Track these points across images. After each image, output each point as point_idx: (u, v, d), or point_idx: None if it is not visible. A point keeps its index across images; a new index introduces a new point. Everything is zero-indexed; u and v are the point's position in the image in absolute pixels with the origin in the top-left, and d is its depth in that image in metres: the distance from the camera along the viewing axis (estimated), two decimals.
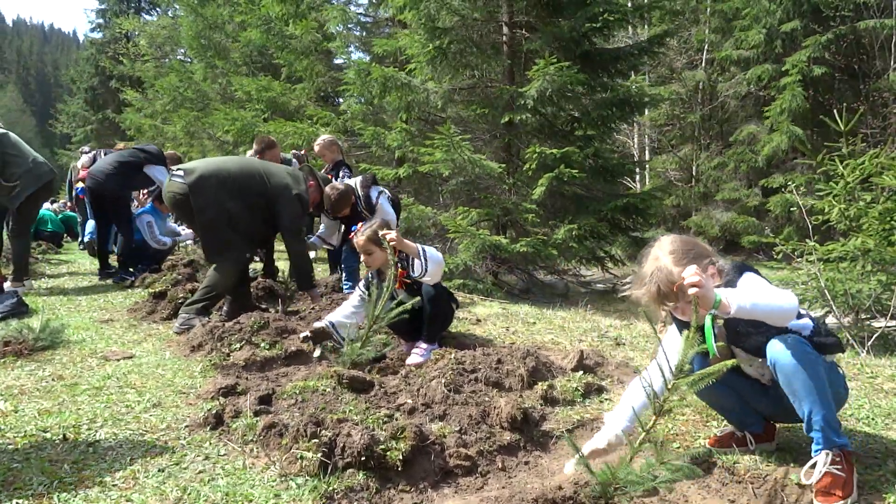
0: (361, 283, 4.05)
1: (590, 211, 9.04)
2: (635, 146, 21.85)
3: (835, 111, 6.42)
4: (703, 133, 20.49)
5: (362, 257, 3.87)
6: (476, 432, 2.62)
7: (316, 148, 6.69)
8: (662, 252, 2.20)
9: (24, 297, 5.24)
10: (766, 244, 14.82)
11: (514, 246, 8.26)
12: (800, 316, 2.15)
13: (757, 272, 2.19)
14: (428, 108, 9.96)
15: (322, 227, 5.90)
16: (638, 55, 9.97)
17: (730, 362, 1.88)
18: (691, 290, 1.84)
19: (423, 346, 3.80)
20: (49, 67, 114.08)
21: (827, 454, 2.01)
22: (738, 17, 17.88)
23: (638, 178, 19.91)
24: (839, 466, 2.00)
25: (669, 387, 1.90)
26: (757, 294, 1.95)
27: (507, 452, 2.54)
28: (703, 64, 20.00)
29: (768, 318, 1.99)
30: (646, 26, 16.98)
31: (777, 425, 2.49)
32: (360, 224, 4.00)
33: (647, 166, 19.56)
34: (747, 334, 2.17)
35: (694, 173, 19.99)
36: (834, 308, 5.79)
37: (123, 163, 6.69)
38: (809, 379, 2.01)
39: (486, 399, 2.88)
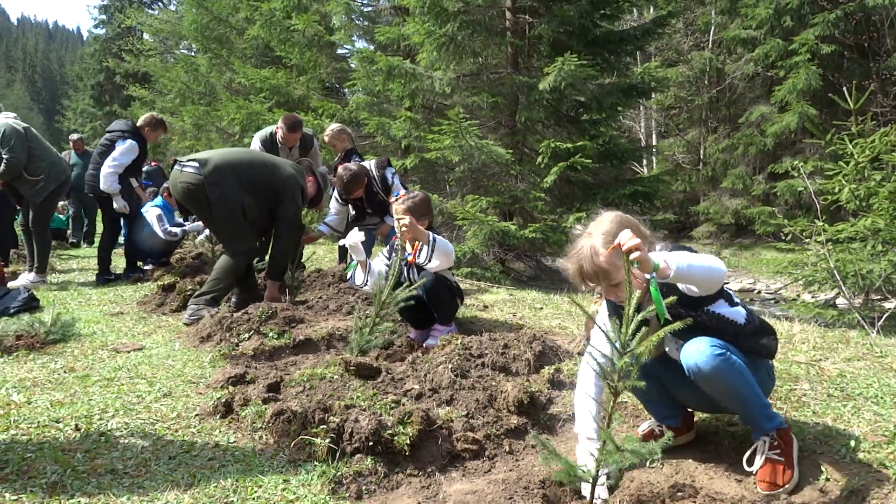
0: (386, 250, 4.10)
1: (598, 197, 9.01)
2: (642, 130, 21.74)
3: (844, 89, 6.36)
4: (711, 116, 20.33)
5: (396, 225, 3.82)
6: (483, 416, 2.64)
7: (326, 137, 6.67)
8: (597, 230, 2.11)
9: (35, 292, 5.29)
10: (775, 226, 14.74)
11: (523, 232, 8.26)
12: (733, 304, 2.12)
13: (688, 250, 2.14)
14: (433, 95, 9.93)
15: (330, 213, 5.89)
16: (643, 37, 9.90)
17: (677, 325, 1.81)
18: (632, 255, 1.78)
19: (441, 327, 3.87)
20: (55, 65, 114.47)
21: (764, 441, 2.06)
22: None
23: (645, 162, 19.81)
24: (777, 451, 2.05)
25: (619, 365, 1.83)
26: (690, 257, 1.94)
27: (514, 436, 2.55)
28: (710, 45, 19.81)
29: (703, 281, 1.96)
30: (650, 8, 16.85)
31: (695, 417, 2.47)
32: (393, 196, 4.01)
33: (654, 150, 19.44)
34: (677, 315, 2.02)
35: (702, 156, 19.86)
36: (844, 289, 5.76)
37: (99, 158, 6.61)
38: (730, 385, 2.01)
39: (493, 383, 2.88)
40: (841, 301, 6.20)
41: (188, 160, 4.59)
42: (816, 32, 15.47)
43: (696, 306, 2.06)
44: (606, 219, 2.14)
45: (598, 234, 2.09)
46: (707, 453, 2.34)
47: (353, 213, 5.78)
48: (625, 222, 2.11)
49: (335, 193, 5.80)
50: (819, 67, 15.34)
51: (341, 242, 3.85)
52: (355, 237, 3.78)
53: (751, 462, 2.08)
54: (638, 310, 1.79)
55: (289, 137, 6.34)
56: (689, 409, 2.44)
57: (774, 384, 2.30)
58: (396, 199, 3.96)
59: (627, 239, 1.79)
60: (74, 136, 11.08)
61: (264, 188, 4.69)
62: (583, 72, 8.15)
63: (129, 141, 6.44)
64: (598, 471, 1.92)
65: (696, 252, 2.09)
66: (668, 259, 1.87)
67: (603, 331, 1.88)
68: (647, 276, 1.90)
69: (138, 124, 6.72)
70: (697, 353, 2.01)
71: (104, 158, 6.43)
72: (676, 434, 2.39)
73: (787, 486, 1.99)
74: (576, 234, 2.20)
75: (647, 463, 2.26)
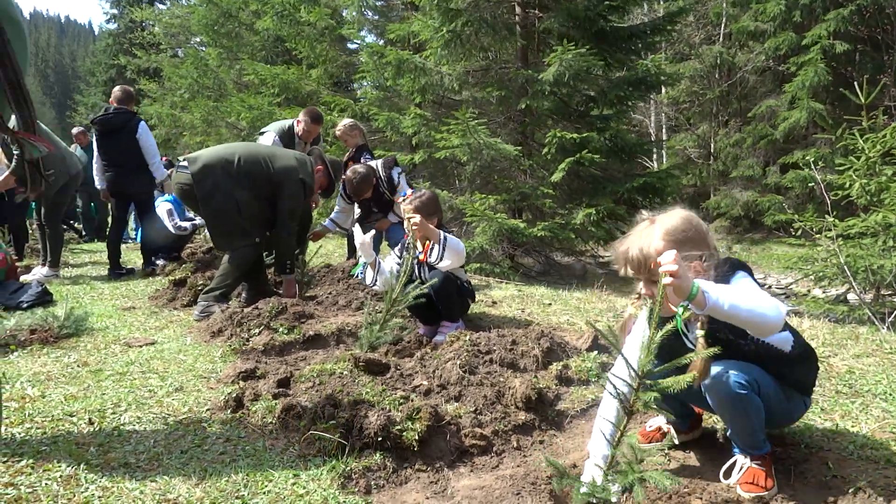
0: (397, 248, 4.13)
1: (607, 192, 8.99)
2: (652, 125, 21.61)
3: (855, 84, 6.31)
4: (722, 110, 20.18)
5: (407, 224, 3.81)
6: (491, 412, 2.65)
7: (337, 132, 6.67)
8: (662, 222, 2.00)
9: (48, 286, 5.35)
10: (786, 221, 14.63)
11: (532, 230, 8.25)
12: (783, 329, 1.96)
13: (751, 274, 2.01)
14: (442, 90, 9.92)
15: (336, 210, 5.92)
16: (653, 33, 9.85)
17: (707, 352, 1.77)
18: (665, 280, 1.67)
19: (448, 324, 3.89)
20: (67, 59, 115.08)
21: (746, 455, 2.07)
22: None
23: (655, 157, 19.71)
24: (759, 461, 2.04)
25: (636, 389, 1.79)
26: (740, 296, 1.76)
27: (522, 432, 2.57)
28: (721, 39, 19.66)
29: (748, 325, 1.80)
30: (661, 1, 16.73)
31: (703, 419, 2.48)
32: (399, 195, 4.02)
33: (664, 145, 19.33)
34: (716, 340, 1.91)
35: (712, 151, 19.73)
36: (854, 285, 5.73)
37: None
38: (738, 418, 2.01)
39: (501, 380, 2.90)
40: (852, 297, 6.16)
41: (183, 160, 4.63)
42: (829, 28, 15.28)
43: (745, 333, 1.94)
44: (677, 214, 2.04)
45: (660, 226, 2.00)
46: (713, 450, 2.35)
47: (359, 210, 5.80)
48: (693, 226, 2.00)
49: (341, 191, 5.82)
50: (830, 64, 15.18)
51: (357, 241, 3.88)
52: (363, 238, 3.81)
53: (728, 475, 2.08)
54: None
55: (312, 130, 6.37)
56: (697, 411, 2.45)
57: (798, 418, 2.21)
58: (404, 199, 3.98)
59: (667, 262, 1.69)
60: (76, 130, 10.92)
61: (261, 181, 4.65)
62: (586, 61, 8.11)
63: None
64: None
65: (755, 282, 1.96)
66: (711, 291, 1.73)
67: (626, 360, 1.80)
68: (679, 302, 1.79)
69: None
70: (720, 382, 1.94)
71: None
72: (683, 435, 2.41)
73: (769, 490, 1.99)
74: (642, 217, 2.11)
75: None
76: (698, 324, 1.86)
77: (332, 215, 5.95)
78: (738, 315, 1.75)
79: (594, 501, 1.88)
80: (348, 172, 5.41)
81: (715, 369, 1.95)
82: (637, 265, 2.00)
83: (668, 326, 1.73)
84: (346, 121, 6.71)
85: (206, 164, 4.52)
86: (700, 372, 1.83)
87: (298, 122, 6.33)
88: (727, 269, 1.99)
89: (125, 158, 6.55)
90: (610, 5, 9.11)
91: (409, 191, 4.87)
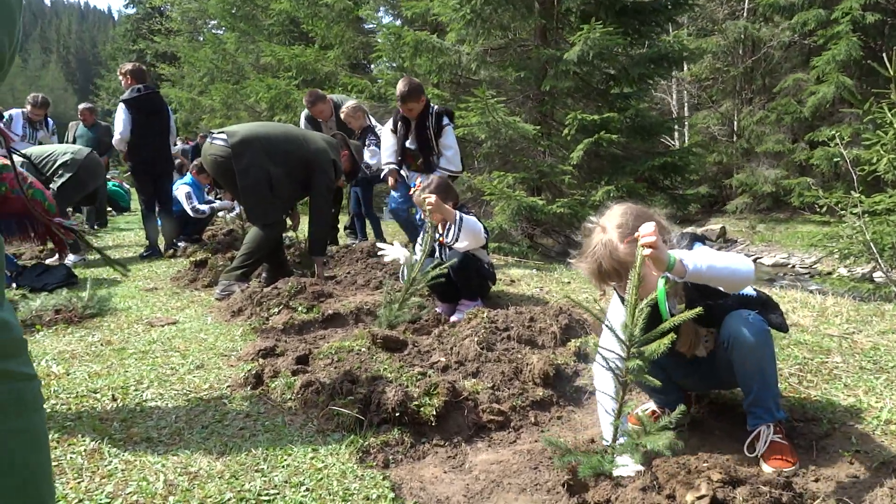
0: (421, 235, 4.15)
1: (627, 171, 8.88)
2: (674, 102, 21.27)
3: (884, 56, 6.14)
4: (746, 86, 19.78)
5: (423, 206, 3.79)
6: (509, 388, 2.65)
7: (342, 115, 6.68)
8: (610, 224, 2.02)
9: (73, 269, 5.43)
10: (811, 200, 14.37)
11: (551, 207, 8.18)
12: None
13: (704, 243, 2.09)
14: (460, 70, 9.84)
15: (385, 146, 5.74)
16: (675, 7, 9.64)
17: (688, 314, 1.77)
18: (646, 251, 1.73)
19: (467, 302, 3.90)
20: (87, 45, 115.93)
21: (769, 426, 2.02)
22: None
23: (677, 135, 19.41)
24: (780, 435, 2.02)
25: (626, 358, 1.82)
26: (714, 257, 1.86)
27: (539, 408, 2.57)
28: (746, 14, 19.23)
29: (725, 283, 1.89)
30: None
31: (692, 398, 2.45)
32: (419, 180, 4.03)
33: (686, 123, 19.03)
34: (700, 303, 1.94)
35: (735, 129, 19.38)
36: (881, 262, 5.62)
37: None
38: (764, 360, 1.98)
39: (519, 356, 2.89)
40: (878, 275, 6.05)
41: (218, 132, 4.69)
42: (861, 1, 14.84)
43: (721, 294, 2.02)
44: (617, 211, 2.06)
45: (612, 228, 2.00)
46: (729, 425, 2.32)
47: (388, 156, 5.62)
48: (638, 213, 2.03)
49: (387, 125, 5.69)
50: (861, 37, 14.77)
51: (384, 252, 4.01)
52: (396, 253, 3.91)
53: (752, 448, 2.05)
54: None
55: (314, 111, 6.47)
56: (688, 393, 2.42)
57: None
58: (415, 189, 3.99)
59: (646, 233, 1.74)
60: (83, 105, 10.21)
61: (295, 161, 4.75)
62: (611, 40, 7.97)
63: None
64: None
65: (714, 248, 2.03)
66: (687, 258, 1.80)
67: (611, 328, 1.83)
68: (660, 274, 1.84)
69: None
70: (745, 320, 1.97)
71: None
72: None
73: (795, 465, 1.96)
74: (587, 229, 2.11)
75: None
76: (677, 299, 1.95)
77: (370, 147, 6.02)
78: (718, 274, 1.84)
79: (602, 472, 1.88)
80: (401, 79, 5.35)
81: (736, 315, 2.00)
82: (612, 272, 1.99)
83: (651, 295, 1.78)
84: (350, 102, 6.69)
85: (245, 139, 4.59)
86: (688, 343, 1.94)
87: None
88: (686, 244, 2.05)
89: (162, 139, 6.70)
90: None
91: (454, 147, 5.11)
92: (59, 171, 6.14)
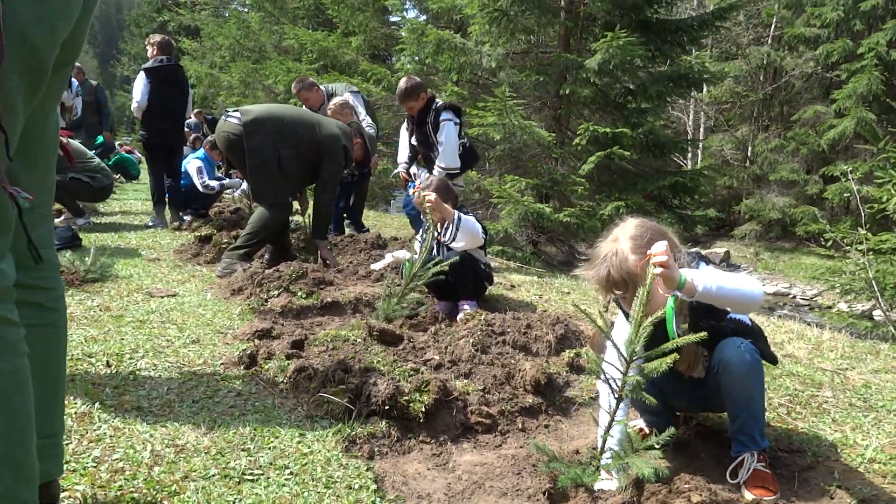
0: (420, 233, 4.16)
1: (637, 187, 8.89)
2: (690, 123, 21.23)
3: None
4: (764, 113, 19.74)
5: (422, 203, 3.83)
6: (499, 392, 2.67)
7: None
8: (623, 235, 2.03)
9: (78, 232, 5.46)
10: (817, 231, 14.34)
11: (558, 216, 8.20)
12: None
13: (709, 264, 2.11)
14: (480, 70, 9.85)
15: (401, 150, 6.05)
16: (700, 28, 9.64)
17: (694, 337, 1.79)
18: (657, 270, 1.76)
19: (468, 302, 3.91)
20: (112, 9, 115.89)
21: (753, 454, 2.03)
22: None
23: (690, 155, 19.38)
24: (764, 464, 2.03)
25: (624, 374, 1.85)
26: (724, 278, 1.88)
27: (527, 414, 2.58)
28: (770, 41, 19.18)
29: (733, 304, 1.93)
30: None
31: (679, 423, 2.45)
32: (417, 182, 4.06)
33: (700, 145, 19.02)
34: (697, 328, 1.96)
35: (749, 154, 19.35)
36: (881, 301, 5.62)
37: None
38: (753, 389, 2.00)
39: (512, 361, 2.91)
40: (877, 313, 6.04)
41: (233, 110, 4.72)
42: (888, 37, 14.77)
43: (724, 315, 2.05)
44: (632, 224, 2.08)
45: (625, 239, 2.02)
46: (715, 448, 2.33)
47: (404, 154, 5.89)
48: (653, 229, 2.05)
49: (404, 124, 5.93)
50: (883, 72, 14.73)
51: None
52: (400, 256, 3.92)
53: (735, 475, 2.05)
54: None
55: (299, 97, 6.61)
56: (677, 414, 2.43)
57: None
58: (415, 189, 4.02)
59: (658, 252, 1.78)
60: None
61: (306, 144, 4.78)
62: (633, 51, 7.97)
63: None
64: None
65: (721, 269, 2.05)
66: (697, 278, 1.83)
67: (614, 343, 1.85)
68: (671, 293, 1.86)
69: None
70: (737, 348, 1.99)
71: None
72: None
73: (776, 495, 1.97)
74: (598, 245, 2.14)
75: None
76: (682, 318, 1.96)
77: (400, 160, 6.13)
78: (727, 295, 1.86)
79: (583, 484, 1.90)
80: (403, 78, 5.45)
81: (729, 342, 2.01)
82: (621, 283, 2.01)
83: (658, 313, 1.80)
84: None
85: (258, 118, 4.63)
86: (688, 364, 1.94)
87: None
88: (694, 264, 2.08)
89: (179, 113, 6.77)
90: None
91: (454, 138, 5.16)
92: (96, 175, 6.31)
